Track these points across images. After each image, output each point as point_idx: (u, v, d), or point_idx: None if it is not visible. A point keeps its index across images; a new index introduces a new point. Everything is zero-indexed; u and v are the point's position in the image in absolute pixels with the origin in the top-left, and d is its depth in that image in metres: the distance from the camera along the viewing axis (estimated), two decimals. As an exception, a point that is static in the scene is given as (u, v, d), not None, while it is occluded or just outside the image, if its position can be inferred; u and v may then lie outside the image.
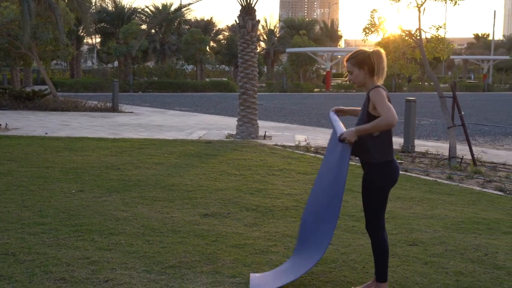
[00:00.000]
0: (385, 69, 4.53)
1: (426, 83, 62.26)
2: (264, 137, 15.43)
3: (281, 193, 8.52)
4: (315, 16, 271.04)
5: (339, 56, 64.20)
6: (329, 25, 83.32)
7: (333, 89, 55.33)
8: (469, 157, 12.03)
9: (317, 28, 79.37)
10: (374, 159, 4.50)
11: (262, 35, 71.28)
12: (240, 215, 7.19)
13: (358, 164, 10.85)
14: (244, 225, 6.72)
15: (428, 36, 12.16)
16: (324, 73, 59.87)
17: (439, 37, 12.33)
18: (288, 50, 58.27)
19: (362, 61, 4.53)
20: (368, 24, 12.21)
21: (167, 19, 47.72)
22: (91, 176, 9.30)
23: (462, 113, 12.01)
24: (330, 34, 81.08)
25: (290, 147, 13.74)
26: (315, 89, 53.08)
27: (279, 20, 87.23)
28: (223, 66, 66.14)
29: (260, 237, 6.23)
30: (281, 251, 5.77)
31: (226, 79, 57.60)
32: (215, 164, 10.81)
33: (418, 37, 12.06)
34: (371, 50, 4.57)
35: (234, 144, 13.57)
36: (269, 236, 6.28)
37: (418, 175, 10.58)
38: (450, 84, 11.88)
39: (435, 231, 6.73)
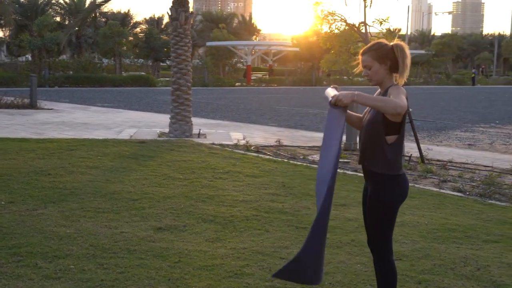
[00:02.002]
0: (409, 66, 3.90)
1: (345, 77, 62.67)
2: (199, 135, 14.67)
3: (235, 200, 7.81)
4: (229, 10, 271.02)
5: (259, 50, 63.81)
6: (248, 18, 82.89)
7: (254, 83, 54.89)
8: (416, 154, 11.68)
9: (236, 21, 78.84)
10: (384, 171, 3.86)
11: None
12: (198, 227, 6.45)
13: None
14: (206, 240, 5.99)
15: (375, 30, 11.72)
16: (245, 67, 59.39)
17: (383, 31, 11.93)
18: (208, 43, 57.41)
19: (385, 55, 3.88)
20: (313, 17, 11.64)
21: (95, 10, 45.85)
22: (20, 184, 8.30)
23: (410, 109, 11.60)
24: (249, 28, 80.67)
25: (228, 146, 13.03)
26: (237, 83, 52.49)
27: (196, 14, 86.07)
28: (141, 60, 64.57)
29: (227, 255, 5.52)
30: (256, 273, 5.08)
31: (144, 73, 56.15)
32: (155, 167, 9.99)
33: (363, 31, 11.60)
34: (393, 42, 3.93)
35: (170, 144, 12.75)
36: (237, 254, 5.57)
37: (370, 176, 10.09)
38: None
39: (413, 241, 6.20)
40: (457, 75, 75.66)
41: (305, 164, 10.99)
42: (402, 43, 3.91)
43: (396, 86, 3.82)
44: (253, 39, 79.21)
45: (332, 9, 11.50)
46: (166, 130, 15.16)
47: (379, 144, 3.85)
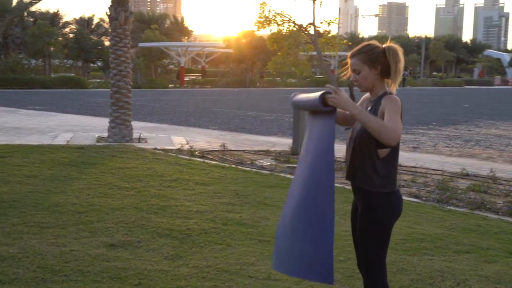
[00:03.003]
0: (402, 71, 3.56)
1: (278, 78, 62.75)
2: (139, 140, 14.11)
3: (189, 210, 7.36)
4: (158, 11, 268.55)
5: (192, 52, 63.15)
6: (180, 19, 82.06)
7: (188, 85, 54.26)
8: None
9: (168, 22, 77.89)
10: (377, 187, 3.51)
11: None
12: (154, 243, 5.97)
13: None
14: (165, 258, 5.52)
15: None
16: (177, 68, 58.67)
17: (330, 32, 11.70)
18: (141, 44, 56.39)
19: (376, 58, 3.52)
20: (259, 18, 11.27)
21: (25, 9, 44.23)
22: (-48, 197, 7.63)
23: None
24: (180, 29, 79.85)
25: (172, 151, 12.54)
26: (170, 85, 51.77)
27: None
28: (70, 61, 62.92)
29: (192, 275, 5.08)
30: (226, 295, 4.66)
31: (73, 74, 54.65)
32: (98, 175, 9.42)
33: (312, 32, 11.32)
34: (385, 45, 3.58)
35: (111, 149, 12.15)
36: (202, 273, 5.14)
37: (323, 182, 9.79)
38: (348, 83, 11.22)
39: (383, 254, 5.89)
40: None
41: (254, 170, 10.62)
42: (395, 45, 3.57)
43: (391, 98, 3.45)
44: (185, 40, 78.45)
45: (280, 10, 11.16)
46: (105, 134, 14.53)
47: (370, 158, 3.50)
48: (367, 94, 3.77)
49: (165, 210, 7.33)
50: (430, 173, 10.80)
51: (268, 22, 11.13)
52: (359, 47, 3.61)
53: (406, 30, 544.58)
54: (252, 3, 11.52)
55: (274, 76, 64.11)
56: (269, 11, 11.33)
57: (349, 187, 3.78)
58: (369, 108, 3.59)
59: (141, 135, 14.46)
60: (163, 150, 12.63)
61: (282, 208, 7.34)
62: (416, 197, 8.80)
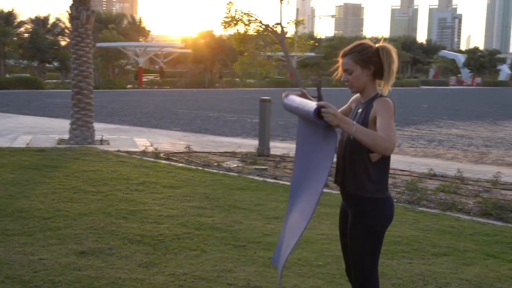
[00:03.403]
0: (395, 72, 3.43)
1: (237, 79, 62.59)
2: (101, 142, 13.81)
3: (159, 215, 7.16)
4: (114, 10, 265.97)
5: (151, 52, 62.56)
6: (138, 20, 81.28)
7: (146, 86, 53.73)
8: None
9: (125, 22, 77.09)
10: (369, 193, 3.38)
11: (67, 29, 67.59)
12: (126, 250, 5.76)
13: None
14: (139, 266, 5.32)
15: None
16: (134, 68, 58.06)
17: (297, 33, 11.57)
18: (98, 44, 55.59)
19: (369, 58, 3.38)
20: (225, 18, 11.08)
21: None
22: None
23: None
24: (138, 29, 79.12)
25: (136, 153, 12.29)
26: (128, 86, 51.19)
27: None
28: (25, 61, 61.73)
29: (168, 284, 4.89)
30: (206, 304, 4.49)
31: (29, 74, 53.61)
32: (62, 179, 9.14)
33: (279, 32, 11.18)
34: (378, 45, 3.45)
35: (73, 152, 11.84)
36: (178, 282, 4.95)
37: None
38: (315, 83, 11.12)
39: (361, 257, 5.79)
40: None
41: (221, 172, 10.45)
42: (388, 45, 3.45)
43: (384, 101, 3.32)
44: (142, 40, 77.73)
45: (247, 10, 11.00)
46: (66, 136, 14.20)
47: (362, 163, 3.37)
48: (357, 95, 3.64)
49: (135, 215, 7.12)
50: (398, 174, 10.77)
51: (235, 22, 10.94)
52: (351, 46, 3.47)
53: (362, 31, 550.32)
54: (208, 3, 11.35)
55: (233, 77, 64.00)
56: (236, 11, 11.15)
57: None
58: (359, 110, 3.47)
59: (103, 137, 14.16)
60: (127, 152, 12.37)
61: (253, 211, 7.18)
62: (387, 198, 8.73)
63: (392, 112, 3.28)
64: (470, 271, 5.45)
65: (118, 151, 12.46)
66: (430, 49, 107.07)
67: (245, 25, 10.07)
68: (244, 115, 24.11)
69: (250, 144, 14.39)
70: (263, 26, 9.86)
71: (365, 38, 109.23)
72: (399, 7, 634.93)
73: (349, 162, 3.38)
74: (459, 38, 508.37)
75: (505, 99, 44.56)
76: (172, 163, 11.19)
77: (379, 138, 3.12)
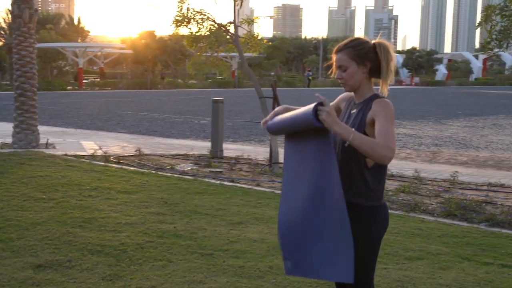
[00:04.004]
0: (393, 71, 3.21)
1: (179, 79, 61.99)
2: (47, 145, 13.26)
3: (118, 223, 6.80)
4: (50, 10, 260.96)
5: (91, 53, 61.33)
6: (77, 20, 79.73)
7: (87, 87, 52.63)
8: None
9: (63, 22, 75.48)
10: (364, 201, 3.16)
11: (2, 30, 65.74)
12: (87, 262, 5.40)
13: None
14: (103, 279, 4.98)
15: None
16: (74, 70, 56.84)
17: (252, 32, 11.37)
18: (37, 45, 54.19)
19: (365, 54, 3.16)
20: (177, 16, 10.76)
21: None
22: None
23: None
24: (76, 29, 77.58)
25: (84, 157, 11.82)
26: (68, 87, 50.06)
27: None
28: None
29: (137, 298, 4.57)
30: (181, 320, 4.19)
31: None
32: (9, 186, 8.65)
33: (233, 32, 10.93)
34: (374, 40, 3.22)
35: (18, 156, 11.29)
36: (148, 295, 4.64)
37: (251, 186, 9.44)
38: (271, 83, 10.92)
39: (335, 264, 5.58)
40: (286, 77, 77.54)
41: (176, 175, 10.12)
42: (385, 41, 3.23)
43: (384, 102, 3.11)
44: (80, 41, 76.22)
45: (200, 8, 10.70)
46: (8, 140, 13.59)
47: (358, 169, 3.15)
48: (347, 94, 3.42)
49: (91, 223, 6.74)
50: (355, 175, 10.64)
51: (187, 20, 10.63)
52: (346, 41, 3.24)
53: (301, 31, 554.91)
54: (147, 3, 11.01)
55: (175, 78, 63.38)
56: (187, 9, 10.84)
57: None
58: (353, 110, 3.24)
59: (49, 141, 13.61)
60: (75, 156, 11.89)
61: (215, 216, 6.84)
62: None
63: (392, 116, 3.07)
64: (447, 276, 5.30)
65: (66, 155, 11.97)
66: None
67: (198, 24, 9.74)
68: (191, 116, 23.75)
69: (201, 146, 14.08)
70: (216, 25, 9.56)
71: (305, 39, 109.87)
72: (336, 8, 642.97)
73: (344, 169, 3.14)
74: (395, 38, 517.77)
75: (445, 99, 45.36)
76: (124, 167, 10.80)
77: (378, 145, 2.90)
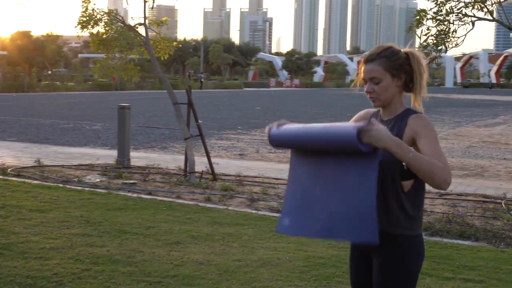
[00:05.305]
0: (425, 85, 2.84)
1: (58, 82, 59.56)
2: None
3: (41, 248, 6.07)
4: None
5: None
6: None
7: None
8: (201, 169, 10.71)
9: None
10: (404, 230, 2.78)
11: None
12: (20, 299, 4.70)
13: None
14: (47, 320, 4.32)
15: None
16: None
17: (161, 34, 10.80)
18: None
19: (400, 65, 2.79)
20: (82, 17, 10.01)
21: None
22: None
23: (200, 121, 10.65)
24: None
25: (-23, 170, 10.78)
26: None
27: None
28: None
29: None
30: None
31: None
32: None
33: (143, 33, 10.32)
34: (405, 50, 2.83)
35: None
36: (107, 338, 4.04)
37: (172, 199, 8.87)
38: (186, 88, 10.37)
39: (296, 286, 5.19)
40: (169, 79, 76.57)
41: (87, 189, 9.38)
42: (416, 51, 2.86)
43: (423, 118, 2.75)
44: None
45: (108, 8, 10.00)
46: None
47: (395, 192, 2.76)
48: (366, 112, 3.02)
49: (11, 250, 5.98)
50: (275, 183, 10.32)
51: (95, 21, 9.90)
52: (379, 50, 2.82)
53: (176, 33, 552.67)
54: (14, 3, 10.22)
55: (53, 80, 60.87)
56: (93, 9, 10.10)
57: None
58: None
59: None
60: (-33, 169, 10.82)
61: (148, 236, 6.24)
62: (279, 211, 8.20)
63: (436, 133, 2.70)
64: (417, 295, 5.03)
65: (-45, 168, 10.88)
66: (248, 51, 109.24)
67: (106, 25, 9.07)
68: (80, 122, 22.61)
69: (104, 155, 13.29)
70: (126, 27, 8.98)
71: (185, 40, 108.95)
72: (211, 10, 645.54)
73: (379, 193, 2.73)
74: (270, 40, 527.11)
75: (329, 100, 46.33)
76: (26, 180, 9.91)
77: (438, 167, 2.53)
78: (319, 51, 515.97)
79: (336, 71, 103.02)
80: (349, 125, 2.54)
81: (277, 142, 2.84)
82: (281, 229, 2.83)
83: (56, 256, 5.80)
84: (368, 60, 2.81)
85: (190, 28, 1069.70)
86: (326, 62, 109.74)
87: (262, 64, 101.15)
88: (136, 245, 6.27)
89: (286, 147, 2.91)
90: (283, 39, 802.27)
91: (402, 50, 2.84)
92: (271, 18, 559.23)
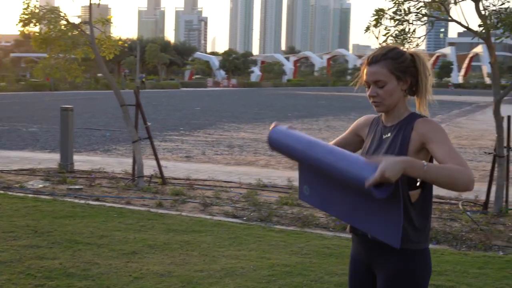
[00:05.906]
0: (431, 86, 2.65)
1: (1, 83, 57.59)
2: None
3: None
4: None
5: None
6: None
7: None
8: (149, 173, 10.37)
9: None
10: (411, 244, 2.60)
11: None
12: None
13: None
14: None
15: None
16: None
17: (106, 33, 10.42)
18: None
19: (406, 68, 2.60)
20: (24, 15, 9.53)
21: None
22: None
23: (149, 123, 10.31)
24: None
25: None
26: None
27: None
28: None
29: None
30: None
31: None
32: None
33: (88, 32, 9.91)
34: (410, 51, 2.63)
35: None
36: None
37: (122, 205, 8.51)
38: (134, 90, 10.00)
39: (266, 298, 4.96)
40: (103, 79, 75.13)
41: (30, 195, 8.93)
42: (421, 52, 2.67)
43: (431, 121, 2.58)
44: None
45: (52, 5, 9.54)
46: None
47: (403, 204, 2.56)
48: (365, 118, 2.83)
49: (-44, 266, 5.54)
50: (227, 186, 10.07)
51: (38, 19, 9.44)
52: (384, 50, 2.62)
53: (110, 31, 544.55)
54: None
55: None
56: (35, 6, 9.63)
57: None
58: (387, 135, 2.65)
59: None
60: None
61: (101, 246, 5.93)
62: (235, 216, 7.98)
63: (447, 135, 2.52)
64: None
65: None
66: (184, 51, 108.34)
67: (50, 23, 8.60)
68: (16, 123, 21.82)
69: (45, 159, 12.76)
70: (70, 25, 8.56)
71: (120, 39, 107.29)
72: (146, 9, 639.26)
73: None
74: (205, 40, 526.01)
75: (267, 100, 46.33)
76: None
77: (458, 172, 2.34)
78: (255, 51, 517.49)
79: (273, 70, 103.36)
80: (361, 166, 2.32)
81: (276, 148, 2.65)
82: (304, 198, 2.72)
83: (5, 270, 5.41)
84: (372, 62, 2.61)
85: (124, 27, 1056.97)
86: (263, 62, 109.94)
87: (199, 64, 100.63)
88: (90, 257, 5.92)
89: (284, 156, 2.72)
90: (218, 39, 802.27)
91: (407, 50, 2.65)
92: (206, 18, 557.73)
